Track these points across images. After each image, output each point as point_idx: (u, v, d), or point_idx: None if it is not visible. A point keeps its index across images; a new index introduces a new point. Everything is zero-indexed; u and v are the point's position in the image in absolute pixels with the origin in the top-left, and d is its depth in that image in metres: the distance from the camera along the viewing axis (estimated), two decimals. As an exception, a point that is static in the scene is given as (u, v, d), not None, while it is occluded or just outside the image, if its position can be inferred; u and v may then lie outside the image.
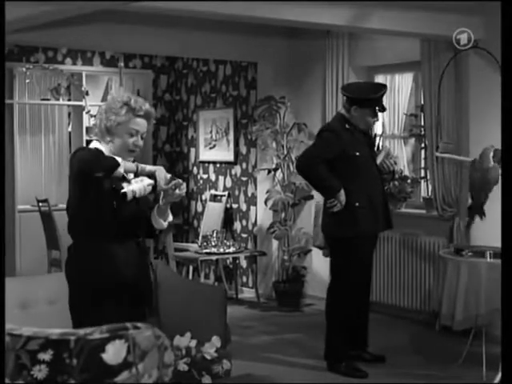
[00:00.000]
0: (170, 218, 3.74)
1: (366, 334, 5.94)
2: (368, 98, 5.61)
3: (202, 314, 4.25)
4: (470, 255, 5.63)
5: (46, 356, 2.33)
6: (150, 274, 3.85)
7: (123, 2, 5.15)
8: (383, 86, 5.78)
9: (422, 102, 7.04)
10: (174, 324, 4.19)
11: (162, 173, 3.55)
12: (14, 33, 6.29)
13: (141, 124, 3.69)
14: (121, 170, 3.46)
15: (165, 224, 3.74)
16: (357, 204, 5.58)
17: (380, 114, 5.92)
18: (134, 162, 3.64)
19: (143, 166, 3.58)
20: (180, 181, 3.58)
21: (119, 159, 3.50)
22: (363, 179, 5.64)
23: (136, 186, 3.51)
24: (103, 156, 3.57)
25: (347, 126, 5.65)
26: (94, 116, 10.10)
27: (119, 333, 2.37)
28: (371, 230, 5.73)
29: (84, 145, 9.49)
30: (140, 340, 2.37)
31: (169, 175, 3.57)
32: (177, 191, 3.57)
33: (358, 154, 5.62)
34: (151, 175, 3.55)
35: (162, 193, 3.61)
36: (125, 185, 3.50)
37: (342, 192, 5.53)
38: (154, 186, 3.55)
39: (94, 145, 3.73)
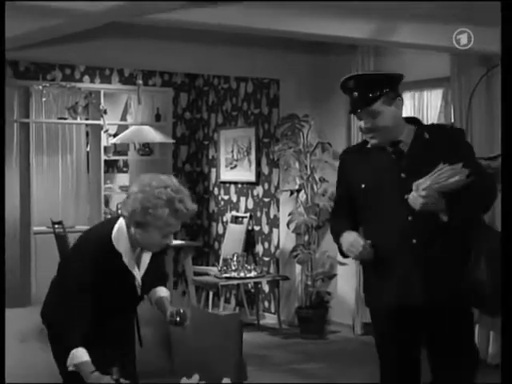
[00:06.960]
0: None
1: None
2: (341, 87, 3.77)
3: (215, 348, 3.96)
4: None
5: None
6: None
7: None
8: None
9: (453, 120, 6.79)
10: (186, 358, 3.92)
11: None
12: (26, 48, 6.15)
13: (179, 224, 3.04)
14: None
15: None
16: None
17: None
18: None
19: None
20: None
21: None
22: (373, 223, 3.53)
23: None
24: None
25: (368, 146, 3.63)
26: (114, 135, 9.90)
27: None
28: (384, 301, 3.47)
29: (102, 169, 9.26)
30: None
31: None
32: None
33: (363, 186, 3.52)
34: None
35: None
36: None
37: (345, 236, 3.42)
38: None
39: (118, 229, 3.09)
